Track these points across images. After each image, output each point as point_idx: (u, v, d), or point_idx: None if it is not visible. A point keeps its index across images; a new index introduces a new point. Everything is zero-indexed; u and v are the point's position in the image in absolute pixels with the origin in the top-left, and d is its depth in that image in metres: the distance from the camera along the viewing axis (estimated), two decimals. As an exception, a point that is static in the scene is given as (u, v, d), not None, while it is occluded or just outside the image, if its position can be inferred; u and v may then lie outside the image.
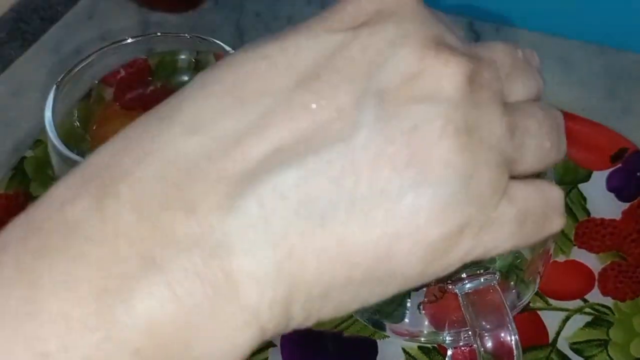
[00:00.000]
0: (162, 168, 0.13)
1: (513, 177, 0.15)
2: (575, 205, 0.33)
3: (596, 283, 0.30)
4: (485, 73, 0.15)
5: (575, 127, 0.35)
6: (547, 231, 0.16)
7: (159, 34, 0.31)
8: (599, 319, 0.29)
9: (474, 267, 0.24)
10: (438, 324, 0.27)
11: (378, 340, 0.29)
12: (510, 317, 0.23)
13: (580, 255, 0.31)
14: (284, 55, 0.14)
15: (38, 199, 0.14)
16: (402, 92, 0.14)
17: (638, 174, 0.33)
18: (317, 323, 0.30)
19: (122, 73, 0.32)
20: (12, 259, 0.13)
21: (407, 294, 0.26)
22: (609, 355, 0.28)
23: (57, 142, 0.27)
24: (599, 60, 0.40)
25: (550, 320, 0.29)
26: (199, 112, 0.14)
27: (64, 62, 0.42)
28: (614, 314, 0.29)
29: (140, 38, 0.31)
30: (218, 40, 0.30)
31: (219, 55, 0.30)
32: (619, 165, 0.33)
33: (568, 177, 0.34)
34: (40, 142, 0.36)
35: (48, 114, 0.27)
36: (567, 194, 0.33)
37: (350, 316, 0.29)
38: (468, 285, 0.23)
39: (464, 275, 0.24)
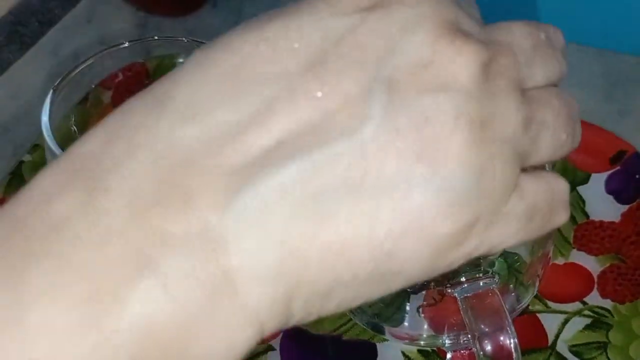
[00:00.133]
0: (154, 161, 0.12)
1: (523, 170, 0.14)
2: (574, 207, 0.33)
3: (595, 285, 0.30)
4: (502, 61, 0.14)
5: (573, 129, 0.35)
6: (552, 225, 0.16)
7: (156, 38, 0.31)
8: (598, 322, 0.29)
9: (473, 270, 0.24)
10: (437, 328, 0.27)
11: (377, 344, 0.29)
12: (510, 321, 0.23)
13: (580, 258, 0.31)
14: (286, 38, 0.13)
15: (21, 191, 0.13)
16: (413, 81, 0.13)
17: (637, 176, 0.33)
18: (317, 325, 0.30)
19: (120, 77, 0.32)
20: None
21: (406, 298, 0.26)
22: (608, 358, 0.28)
23: (53, 147, 0.26)
24: (597, 63, 0.40)
25: (550, 323, 0.29)
26: (195, 98, 0.13)
27: (62, 65, 0.42)
28: (613, 317, 0.29)
29: (138, 42, 0.31)
30: (216, 43, 0.30)
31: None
32: (618, 167, 0.33)
33: (567, 179, 0.33)
34: (38, 146, 0.35)
35: (45, 118, 0.27)
36: (565, 197, 0.33)
37: (350, 320, 0.29)
38: (467, 289, 0.23)
39: (463, 279, 0.24)
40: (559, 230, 0.32)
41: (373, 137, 0.13)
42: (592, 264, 0.31)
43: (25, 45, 0.43)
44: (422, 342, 0.27)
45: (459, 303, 0.24)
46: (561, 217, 0.16)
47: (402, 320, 0.27)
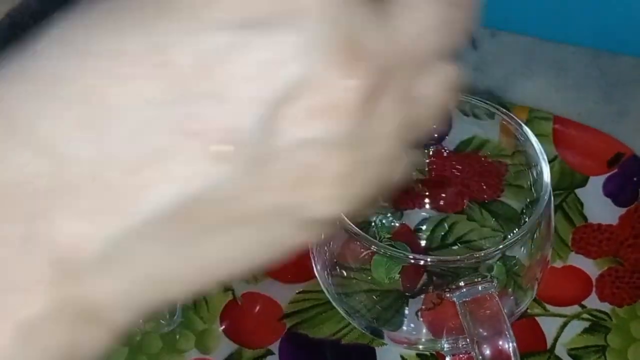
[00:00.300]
0: None
1: None
2: (572, 210, 0.33)
3: (594, 289, 0.30)
4: (389, 83, 0.13)
5: (571, 132, 0.35)
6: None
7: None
8: (597, 325, 0.29)
9: (472, 275, 0.24)
10: (436, 332, 0.27)
11: (376, 348, 0.29)
12: (508, 325, 0.23)
13: (578, 261, 0.31)
14: (151, 53, 0.12)
15: None
16: (293, 108, 0.12)
17: (635, 179, 0.33)
18: (316, 329, 0.30)
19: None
20: None
21: (405, 301, 0.26)
22: (606, 361, 0.28)
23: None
24: (594, 65, 0.40)
25: (548, 326, 0.29)
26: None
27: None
28: (612, 320, 0.29)
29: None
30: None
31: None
32: (616, 170, 0.33)
33: (565, 182, 0.34)
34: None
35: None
36: (563, 199, 0.33)
37: (348, 324, 0.29)
38: (466, 294, 0.23)
39: (461, 283, 0.24)
40: (557, 233, 0.32)
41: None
42: (591, 267, 0.31)
43: (22, 48, 0.43)
44: (420, 346, 0.27)
45: (458, 307, 0.24)
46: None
47: (400, 324, 0.27)
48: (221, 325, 0.30)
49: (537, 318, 0.29)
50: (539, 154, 0.26)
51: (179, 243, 0.13)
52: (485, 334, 0.23)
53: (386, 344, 0.29)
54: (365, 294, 0.26)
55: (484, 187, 0.31)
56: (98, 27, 0.12)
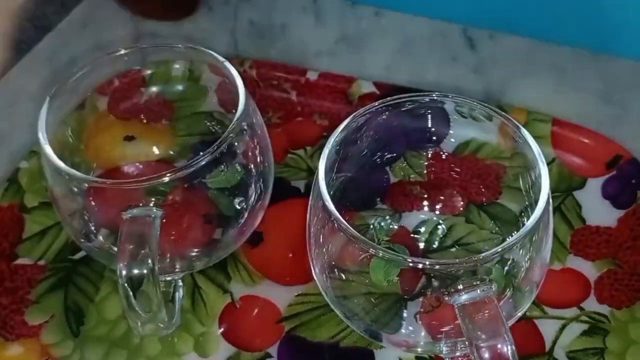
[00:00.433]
0: None
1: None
2: (570, 212, 0.33)
3: (592, 291, 0.30)
4: None
5: (569, 134, 0.35)
6: None
7: (152, 44, 0.31)
8: (596, 327, 0.29)
9: (471, 278, 0.24)
10: (435, 334, 0.27)
11: (375, 351, 0.29)
12: (507, 328, 0.23)
13: (576, 263, 0.31)
14: None
15: None
16: None
17: (633, 181, 0.33)
18: (314, 332, 0.30)
19: (116, 83, 0.32)
20: None
21: (403, 304, 0.26)
22: (605, 364, 0.28)
23: (50, 155, 0.26)
24: (592, 67, 0.40)
25: (547, 329, 0.29)
26: None
27: (58, 71, 0.42)
28: (610, 322, 0.29)
29: (134, 49, 0.31)
30: (212, 48, 0.30)
31: (213, 65, 0.30)
32: (614, 172, 0.33)
33: (563, 184, 0.34)
34: (34, 153, 0.35)
35: (41, 125, 0.27)
36: (562, 202, 0.33)
37: (347, 327, 0.29)
38: (464, 297, 0.23)
39: (460, 286, 0.24)
40: (555, 235, 0.32)
41: None
42: (589, 270, 0.31)
43: (21, 51, 0.43)
44: (419, 349, 0.27)
45: (456, 311, 0.24)
46: None
47: (399, 327, 0.27)
48: (220, 328, 0.30)
49: (535, 321, 0.29)
50: (537, 156, 0.26)
51: None
52: (483, 337, 0.23)
53: (385, 347, 0.29)
54: (364, 296, 0.26)
55: (483, 189, 0.31)
56: None
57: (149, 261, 0.25)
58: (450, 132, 0.30)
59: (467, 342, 0.23)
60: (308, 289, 0.31)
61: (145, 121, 0.33)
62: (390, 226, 0.31)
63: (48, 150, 0.27)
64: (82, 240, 0.29)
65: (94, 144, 0.32)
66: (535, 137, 0.27)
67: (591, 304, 0.30)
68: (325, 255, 0.26)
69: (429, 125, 0.29)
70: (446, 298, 0.24)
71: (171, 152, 0.33)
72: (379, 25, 0.43)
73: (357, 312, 0.26)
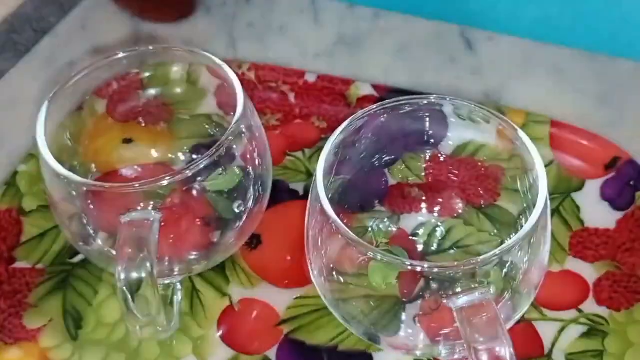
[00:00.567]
0: None
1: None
2: (569, 214, 0.33)
3: (591, 293, 0.30)
4: None
5: (568, 135, 0.35)
6: None
7: (151, 47, 0.31)
8: (594, 330, 0.29)
9: (469, 281, 0.24)
10: (434, 337, 0.26)
11: (373, 354, 0.29)
12: (505, 330, 0.23)
13: (575, 265, 0.31)
14: None
15: None
16: None
17: (632, 182, 0.33)
18: (312, 335, 0.30)
19: (115, 86, 0.32)
20: None
21: (402, 307, 0.26)
22: (604, 366, 0.28)
23: (48, 159, 0.26)
24: (591, 68, 0.40)
25: (546, 331, 0.29)
26: None
27: (56, 73, 0.42)
28: (609, 324, 0.29)
29: (132, 51, 0.31)
30: (211, 49, 0.30)
31: (211, 67, 0.30)
32: (613, 174, 0.33)
33: (562, 186, 0.34)
34: (32, 156, 0.35)
35: (39, 128, 0.27)
36: (560, 203, 0.33)
37: (345, 330, 0.29)
38: (462, 300, 0.23)
39: (458, 289, 0.24)
40: (554, 237, 0.32)
41: None
42: (588, 272, 0.31)
43: (19, 53, 0.43)
44: (418, 352, 0.27)
45: (455, 314, 0.24)
46: None
47: (398, 330, 0.27)
48: (218, 332, 0.30)
49: (534, 323, 0.29)
50: (535, 158, 0.26)
51: None
52: (481, 340, 0.23)
53: (383, 350, 0.29)
54: (363, 299, 0.26)
55: (481, 191, 0.31)
56: None
57: (148, 264, 0.25)
58: (449, 134, 0.30)
59: (465, 345, 0.23)
60: (307, 292, 0.31)
61: (143, 124, 0.33)
62: (389, 229, 0.31)
63: (46, 153, 0.27)
64: (81, 243, 0.29)
65: (92, 147, 0.32)
66: (534, 139, 0.27)
67: (590, 306, 0.30)
68: (324, 258, 0.26)
69: (427, 128, 0.29)
70: (445, 301, 0.24)
71: (170, 155, 0.33)
72: (377, 26, 0.43)
73: (355, 315, 0.26)
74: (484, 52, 0.41)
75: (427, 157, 0.31)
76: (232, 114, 0.28)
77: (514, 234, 0.26)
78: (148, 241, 0.25)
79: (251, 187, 0.29)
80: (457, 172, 0.31)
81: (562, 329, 0.29)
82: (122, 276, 0.24)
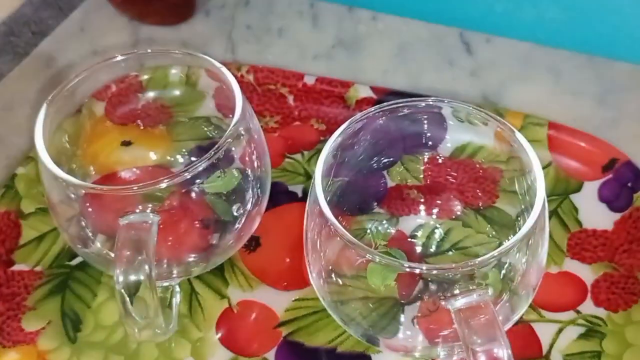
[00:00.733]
0: None
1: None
2: (567, 216, 0.33)
3: (589, 294, 0.30)
4: None
5: (566, 137, 0.35)
6: None
7: (149, 50, 0.31)
8: (592, 331, 0.29)
9: (467, 283, 0.24)
10: (432, 339, 0.27)
11: (372, 356, 0.29)
12: (503, 332, 0.23)
13: (573, 267, 0.31)
14: None
15: None
16: None
17: (629, 184, 0.33)
18: (311, 337, 0.30)
19: (113, 88, 0.32)
20: None
21: (400, 309, 0.26)
22: (602, 367, 0.28)
23: (47, 161, 0.26)
24: (589, 70, 0.40)
25: (544, 332, 0.29)
26: None
27: (55, 76, 0.42)
28: (607, 325, 0.29)
29: (131, 54, 0.31)
30: (209, 52, 0.30)
31: (210, 70, 0.30)
32: (610, 175, 0.34)
33: (559, 187, 0.34)
34: (31, 158, 0.35)
35: (38, 132, 0.27)
36: (558, 205, 0.33)
37: (344, 331, 0.29)
38: (460, 302, 0.23)
39: (457, 291, 0.24)
40: (552, 238, 0.32)
41: None
42: (586, 273, 0.31)
43: (18, 55, 0.43)
44: (417, 354, 0.27)
45: (453, 315, 0.24)
46: None
47: (396, 332, 0.27)
48: (217, 334, 0.30)
49: (532, 324, 0.29)
50: (533, 160, 0.26)
51: None
52: (479, 341, 0.23)
53: (382, 352, 0.29)
54: (361, 301, 0.26)
55: (479, 193, 0.31)
56: None
57: (146, 267, 0.25)
58: (447, 136, 0.30)
59: (463, 347, 0.23)
60: (305, 294, 0.31)
61: (142, 126, 0.33)
62: (388, 230, 0.31)
63: (45, 156, 0.27)
64: (79, 246, 0.29)
65: (91, 150, 0.32)
66: (532, 141, 0.27)
67: (588, 307, 0.30)
68: (323, 260, 0.26)
69: (426, 130, 0.30)
70: (443, 302, 0.24)
71: (168, 157, 0.33)
72: (376, 29, 0.44)
73: (354, 316, 0.26)
74: (482, 55, 0.41)
75: (426, 159, 0.31)
76: (230, 116, 0.28)
77: (512, 236, 0.26)
78: (147, 243, 0.25)
79: (250, 190, 0.29)
80: (455, 174, 0.31)
81: (560, 330, 0.29)
82: (121, 278, 0.24)
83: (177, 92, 0.33)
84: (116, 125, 0.33)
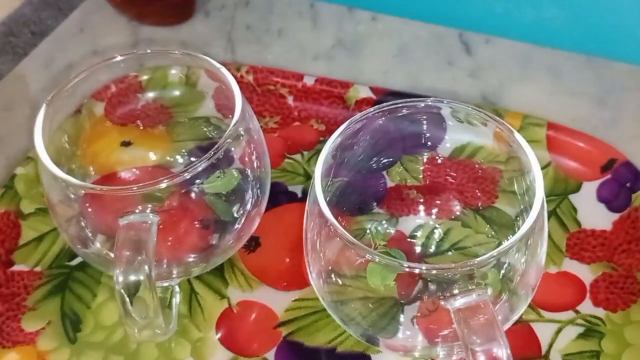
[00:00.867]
0: None
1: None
2: (566, 216, 0.33)
3: (588, 294, 0.30)
4: None
5: (565, 138, 0.35)
6: None
7: (149, 50, 0.31)
8: (591, 330, 0.29)
9: (466, 282, 0.24)
10: (432, 338, 0.27)
11: (372, 356, 0.29)
12: (502, 332, 0.23)
13: (572, 267, 0.31)
14: None
15: None
16: None
17: (628, 184, 0.33)
18: (311, 337, 0.31)
19: (113, 89, 0.32)
20: None
21: (400, 309, 0.26)
22: (601, 367, 0.28)
23: (46, 162, 0.27)
24: (588, 71, 0.40)
25: (543, 332, 0.29)
26: None
27: (55, 76, 0.42)
28: (606, 325, 0.29)
29: (130, 54, 0.31)
30: (209, 52, 0.30)
31: (209, 70, 0.30)
32: (609, 175, 0.34)
33: (558, 187, 0.34)
34: (30, 159, 0.35)
35: (38, 133, 0.27)
36: (557, 205, 0.33)
37: (344, 331, 0.29)
38: (460, 301, 0.23)
39: (456, 291, 0.24)
40: (551, 238, 0.32)
41: None
42: (585, 273, 0.31)
43: (17, 56, 0.43)
44: (416, 354, 0.27)
45: (452, 315, 0.24)
46: None
47: (396, 332, 0.27)
48: (217, 334, 0.30)
49: (531, 324, 0.29)
50: (532, 160, 0.26)
51: None
52: (479, 341, 0.23)
53: (382, 352, 0.29)
54: (361, 301, 0.26)
55: (478, 193, 0.31)
56: None
57: (146, 267, 0.25)
58: (446, 136, 0.30)
59: (463, 346, 0.23)
60: (305, 294, 0.31)
61: (142, 127, 0.33)
62: (387, 231, 0.31)
63: (44, 156, 0.27)
64: (79, 246, 0.29)
65: (90, 150, 0.32)
66: (531, 141, 0.27)
67: (587, 307, 0.30)
68: (322, 260, 0.26)
69: (425, 130, 0.30)
70: (442, 302, 0.24)
71: (168, 158, 0.33)
72: (375, 30, 0.44)
73: (354, 316, 0.27)
74: (481, 55, 0.42)
75: (425, 160, 0.31)
76: (230, 116, 0.28)
77: (511, 236, 0.26)
78: (146, 244, 0.25)
79: (250, 190, 0.29)
80: (454, 174, 0.31)
81: (559, 330, 0.29)
82: (121, 279, 0.24)
83: (176, 93, 0.33)
84: (116, 126, 0.33)
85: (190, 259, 0.29)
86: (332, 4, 0.45)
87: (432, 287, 0.25)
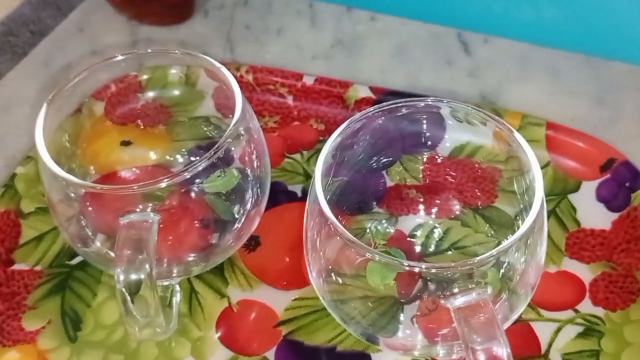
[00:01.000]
0: None
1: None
2: (565, 215, 0.33)
3: (587, 293, 0.30)
4: None
5: (564, 137, 0.35)
6: None
7: (149, 50, 0.31)
8: (591, 330, 0.29)
9: (466, 282, 0.24)
10: (431, 337, 0.27)
11: (372, 355, 0.29)
12: (502, 331, 0.23)
13: (571, 266, 0.31)
14: None
15: None
16: None
17: (627, 184, 0.33)
18: (311, 336, 0.31)
19: (113, 88, 0.32)
20: None
21: (400, 308, 0.26)
22: (600, 366, 0.28)
23: (47, 161, 0.27)
24: (587, 71, 0.40)
25: (542, 331, 0.29)
26: None
27: (54, 76, 0.42)
28: (605, 324, 0.29)
29: (130, 54, 0.31)
30: (209, 52, 0.30)
31: (209, 70, 0.30)
32: (608, 175, 0.34)
33: (558, 187, 0.34)
34: (31, 158, 0.35)
35: (38, 132, 0.27)
36: (557, 205, 0.33)
37: (344, 330, 0.29)
38: (460, 300, 0.24)
39: (456, 290, 0.24)
40: (550, 238, 0.32)
41: None
42: (584, 272, 0.31)
43: (17, 55, 0.43)
44: (416, 353, 0.27)
45: (452, 314, 0.24)
46: None
47: (396, 331, 0.27)
48: (217, 333, 0.30)
49: (531, 323, 0.30)
50: (531, 160, 0.26)
51: None
52: (479, 340, 0.23)
53: (382, 351, 0.29)
54: (361, 300, 0.26)
55: (478, 193, 0.31)
56: None
57: (147, 266, 0.25)
58: (446, 136, 0.30)
59: (463, 345, 0.23)
60: (305, 293, 0.31)
61: (142, 126, 0.33)
62: (387, 230, 0.31)
63: (45, 155, 0.27)
64: (79, 245, 0.29)
65: (90, 149, 0.32)
66: (530, 141, 0.27)
67: (586, 306, 0.30)
68: (322, 260, 0.26)
69: (425, 130, 0.30)
70: (442, 301, 0.24)
71: (168, 157, 0.34)
72: (374, 29, 0.44)
73: (354, 315, 0.27)
74: (480, 55, 0.42)
75: (425, 159, 0.31)
76: (230, 116, 0.28)
77: (510, 235, 0.27)
78: (147, 243, 0.25)
79: (249, 189, 0.29)
80: (454, 173, 0.31)
81: (558, 329, 0.29)
82: (121, 278, 0.24)
83: (176, 92, 0.33)
84: (116, 125, 0.33)
85: (191, 258, 0.29)
86: (331, 4, 0.45)
87: (432, 286, 0.25)
